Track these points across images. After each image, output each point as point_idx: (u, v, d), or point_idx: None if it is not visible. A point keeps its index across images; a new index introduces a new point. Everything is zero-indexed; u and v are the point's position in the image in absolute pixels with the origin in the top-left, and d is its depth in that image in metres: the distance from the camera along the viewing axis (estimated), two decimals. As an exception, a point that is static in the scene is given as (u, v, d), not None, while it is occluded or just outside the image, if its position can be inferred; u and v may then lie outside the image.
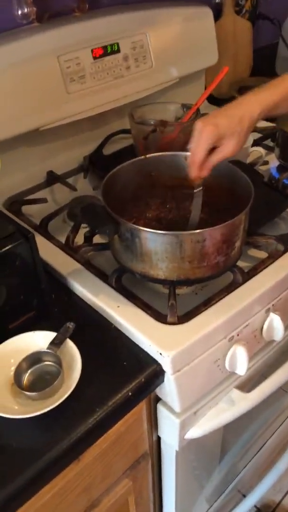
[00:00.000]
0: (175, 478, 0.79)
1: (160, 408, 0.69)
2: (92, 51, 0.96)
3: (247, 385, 0.78)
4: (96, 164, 1.02)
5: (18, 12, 0.89)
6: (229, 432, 0.95)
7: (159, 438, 0.76)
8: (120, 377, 0.61)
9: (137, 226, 0.63)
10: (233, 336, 0.69)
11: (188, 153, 0.76)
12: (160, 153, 0.78)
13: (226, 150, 0.65)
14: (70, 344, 0.61)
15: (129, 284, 0.72)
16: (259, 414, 1.04)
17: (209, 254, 0.64)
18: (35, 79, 0.89)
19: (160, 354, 0.62)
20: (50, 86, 0.91)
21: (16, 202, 0.90)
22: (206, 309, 0.67)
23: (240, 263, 0.77)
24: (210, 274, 0.67)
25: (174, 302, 0.66)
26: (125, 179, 0.77)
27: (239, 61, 1.45)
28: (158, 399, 0.70)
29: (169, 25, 1.08)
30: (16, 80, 0.87)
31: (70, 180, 0.99)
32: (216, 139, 0.64)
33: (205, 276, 0.67)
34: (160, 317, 0.66)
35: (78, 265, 0.75)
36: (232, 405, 0.73)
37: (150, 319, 0.66)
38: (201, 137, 0.64)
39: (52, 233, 0.83)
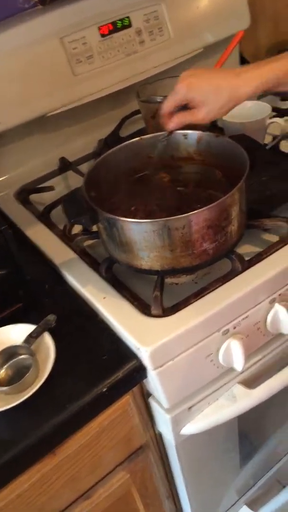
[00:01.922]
0: (181, 471, 0.77)
1: (152, 403, 0.67)
2: (99, 28, 0.92)
3: (257, 381, 0.72)
4: (112, 147, 0.98)
5: (19, -4, 0.87)
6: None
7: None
8: (98, 372, 0.59)
9: (111, 215, 0.59)
10: (228, 329, 0.63)
11: (186, 131, 0.71)
12: (156, 134, 0.73)
13: (195, 116, 0.62)
14: (47, 338, 0.60)
15: (124, 274, 0.69)
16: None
17: (192, 242, 0.59)
18: (39, 63, 0.88)
19: (138, 349, 0.58)
20: (55, 70, 0.89)
21: (24, 191, 0.90)
22: (196, 300, 0.63)
23: (250, 248, 0.71)
24: (198, 263, 0.62)
25: (158, 294, 0.62)
26: (119, 164, 0.73)
27: (281, 20, 1.31)
28: (149, 394, 0.67)
29: (186, -10, 1.00)
30: (20, 66, 0.86)
31: (84, 166, 0.98)
32: (184, 99, 0.62)
33: (193, 265, 0.62)
34: (146, 309, 0.62)
35: (72, 255, 0.73)
36: (234, 402, 0.68)
37: (135, 311, 0.63)
38: (174, 90, 0.63)
39: (56, 222, 0.82)
